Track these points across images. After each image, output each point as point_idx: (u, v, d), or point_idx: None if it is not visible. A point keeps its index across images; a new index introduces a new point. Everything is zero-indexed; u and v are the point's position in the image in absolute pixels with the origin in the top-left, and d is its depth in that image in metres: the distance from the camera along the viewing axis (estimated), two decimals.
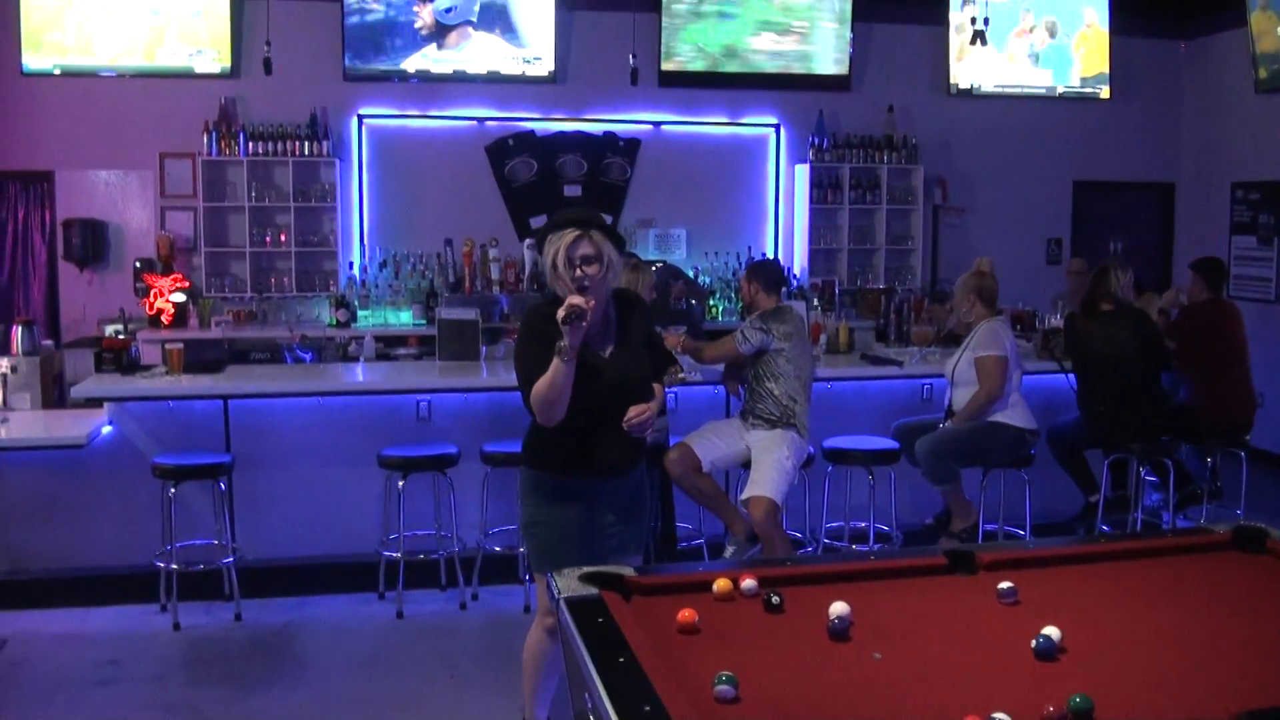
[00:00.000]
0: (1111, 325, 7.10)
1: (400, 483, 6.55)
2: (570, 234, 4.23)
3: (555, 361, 4.11)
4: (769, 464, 6.17)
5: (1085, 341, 7.14)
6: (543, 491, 4.47)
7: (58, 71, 9.97)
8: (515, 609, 6.60)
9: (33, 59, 9.92)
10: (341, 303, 10.00)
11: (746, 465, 6.41)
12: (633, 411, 4.20)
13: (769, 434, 6.30)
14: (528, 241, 10.25)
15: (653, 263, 9.59)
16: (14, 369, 7.02)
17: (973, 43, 11.25)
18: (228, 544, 6.73)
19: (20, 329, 7.08)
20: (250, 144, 10.10)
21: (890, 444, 6.87)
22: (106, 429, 6.74)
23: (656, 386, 4.46)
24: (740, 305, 10.38)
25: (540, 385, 4.18)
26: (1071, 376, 7.35)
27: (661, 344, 4.76)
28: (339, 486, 7.00)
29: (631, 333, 4.44)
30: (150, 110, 10.13)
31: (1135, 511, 7.25)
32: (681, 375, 6.36)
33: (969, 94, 11.36)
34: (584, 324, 4.08)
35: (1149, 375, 7.12)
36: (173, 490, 6.42)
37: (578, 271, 4.18)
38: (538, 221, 10.59)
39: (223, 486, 6.65)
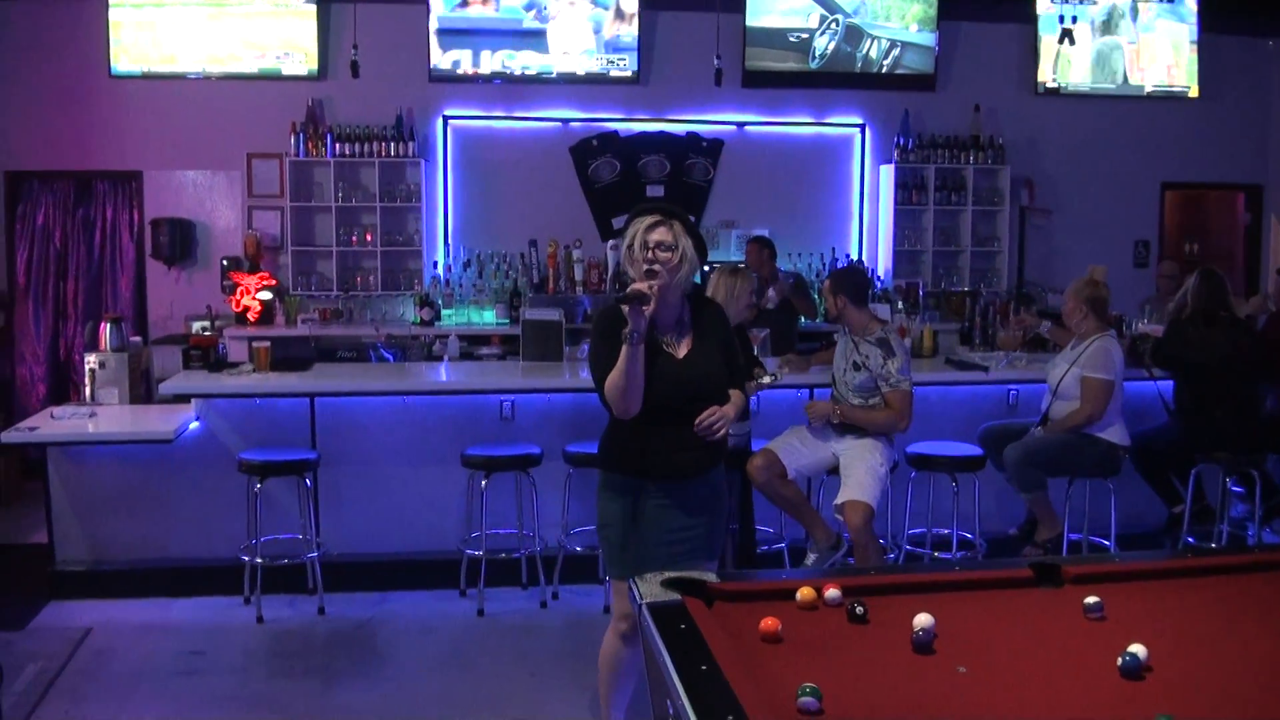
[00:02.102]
0: (1233, 334, 6.98)
1: (483, 482, 6.59)
2: (651, 218, 4.31)
3: (624, 348, 4.15)
4: (863, 470, 6.11)
5: (1201, 349, 6.98)
6: (615, 493, 4.48)
7: (145, 75, 10.14)
8: (595, 609, 6.61)
9: (121, 62, 10.09)
10: (426, 302, 10.07)
11: (831, 472, 6.37)
12: (704, 414, 4.22)
13: (859, 440, 6.24)
14: (611, 243, 10.26)
15: (790, 274, 9.54)
16: (102, 364, 7.16)
17: (1060, 41, 11.10)
18: (312, 539, 6.80)
19: (109, 326, 7.22)
20: (337, 145, 10.21)
21: (975, 450, 6.79)
22: (194, 425, 6.84)
23: (734, 392, 4.45)
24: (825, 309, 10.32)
25: (612, 375, 4.23)
26: (1161, 384, 7.23)
27: (738, 351, 4.74)
28: (422, 484, 7.06)
29: (706, 335, 4.45)
30: (238, 112, 10.28)
31: (1220, 523, 7.12)
32: (768, 380, 6.31)
33: (1056, 93, 11.22)
34: (645, 308, 4.13)
35: (1259, 384, 7.01)
36: (258, 485, 6.52)
37: (650, 254, 4.24)
38: (620, 222, 10.53)
39: (308, 483, 6.72)
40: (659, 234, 4.27)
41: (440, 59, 10.31)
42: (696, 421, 4.21)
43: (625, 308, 4.13)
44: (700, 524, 4.46)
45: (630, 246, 4.32)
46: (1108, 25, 11.23)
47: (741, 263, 9.20)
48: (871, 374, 6.19)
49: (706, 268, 7.12)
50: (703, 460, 4.41)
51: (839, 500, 6.10)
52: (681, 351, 4.39)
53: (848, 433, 6.29)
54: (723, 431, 4.26)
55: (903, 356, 6.21)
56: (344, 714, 5.33)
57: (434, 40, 10.29)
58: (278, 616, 6.52)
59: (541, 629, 6.43)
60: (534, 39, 10.44)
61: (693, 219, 9.59)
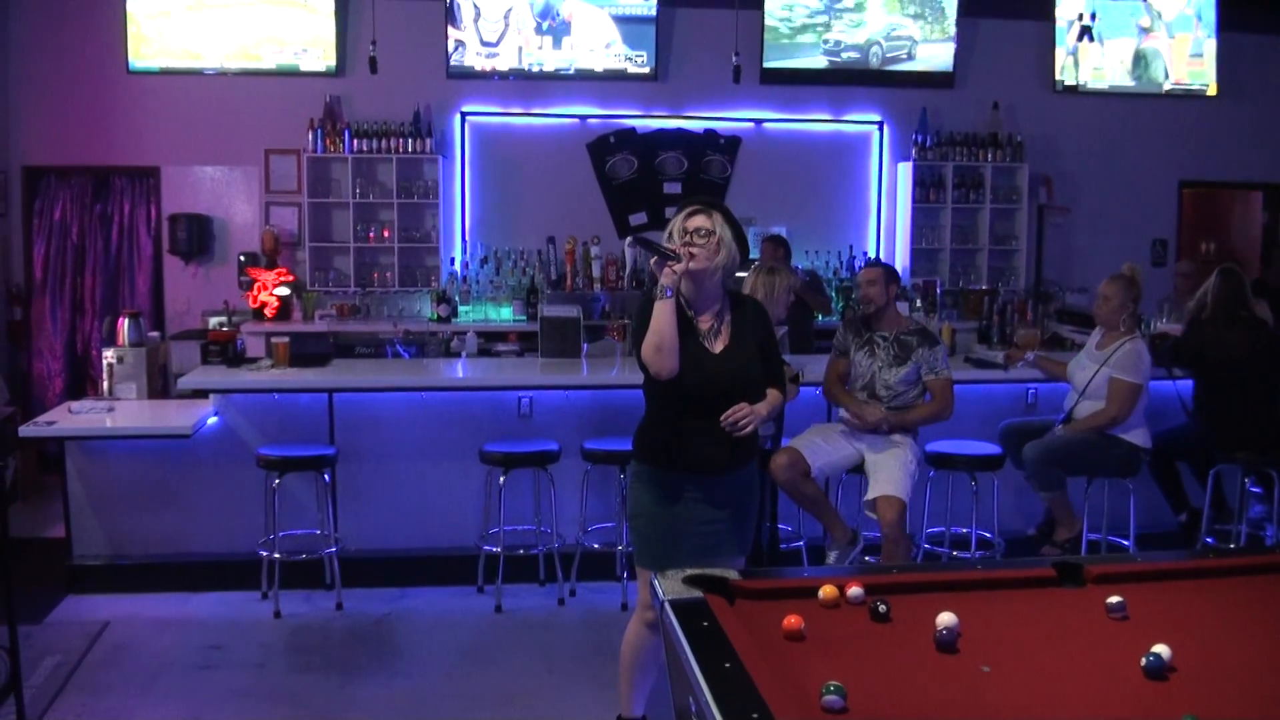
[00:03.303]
0: (1253, 333, 6.95)
1: (501, 478, 6.59)
2: (691, 208, 4.41)
3: (656, 304, 4.25)
4: (894, 465, 6.09)
5: (1221, 348, 6.94)
6: (648, 484, 4.51)
7: (163, 70, 10.17)
8: (613, 606, 6.61)
9: (138, 58, 10.12)
10: (443, 298, 10.07)
11: (854, 470, 6.35)
12: (732, 410, 4.25)
13: (886, 437, 6.24)
14: (628, 239, 10.25)
15: (806, 271, 9.51)
16: (120, 359, 7.17)
17: (1080, 39, 11.06)
18: (330, 534, 6.81)
19: (127, 320, 7.23)
20: (355, 141, 10.22)
21: (994, 449, 6.76)
22: (212, 420, 6.86)
23: (772, 392, 4.46)
24: (842, 306, 10.32)
25: (648, 334, 4.29)
26: (1180, 384, 7.20)
27: (778, 353, 4.75)
28: (441, 480, 7.06)
29: (745, 333, 4.47)
30: (256, 108, 10.31)
31: (1239, 524, 7.08)
32: (798, 380, 6.29)
33: (1075, 90, 11.19)
34: (674, 265, 4.23)
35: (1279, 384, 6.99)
36: (277, 481, 6.52)
37: (689, 238, 4.32)
38: (638, 219, 10.61)
39: (326, 478, 6.72)
40: (698, 221, 4.35)
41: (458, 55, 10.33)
42: (723, 416, 4.24)
43: (653, 259, 4.24)
44: (730, 518, 4.50)
45: (670, 236, 4.38)
46: (1149, 29, 11.20)
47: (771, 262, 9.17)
48: (917, 364, 6.19)
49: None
50: (735, 456, 4.44)
51: (871, 495, 6.07)
52: (718, 346, 4.42)
53: (874, 429, 6.28)
54: (750, 429, 4.28)
55: (941, 344, 6.26)
56: (361, 709, 5.33)
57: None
58: (295, 612, 6.53)
59: (559, 625, 6.42)
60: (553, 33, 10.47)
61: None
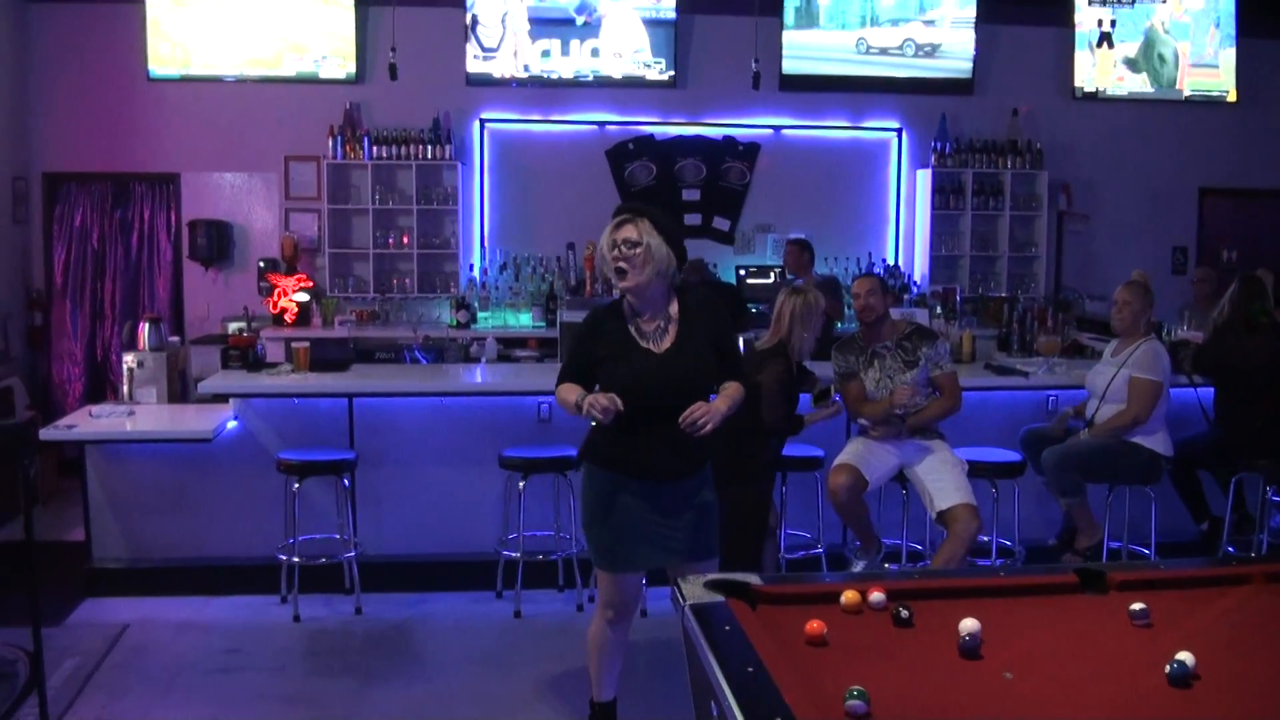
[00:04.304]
0: (1274, 340, 6.91)
1: (521, 483, 6.59)
2: (620, 217, 4.42)
3: (584, 396, 4.31)
4: (956, 472, 6.11)
5: (1242, 356, 6.90)
6: (600, 489, 4.53)
7: (183, 78, 10.22)
8: None
9: (159, 65, 10.17)
10: (462, 304, 10.08)
11: (896, 480, 6.34)
12: (690, 410, 4.20)
13: (928, 441, 6.23)
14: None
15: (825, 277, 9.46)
16: (140, 364, 7.20)
17: (1099, 45, 11.03)
18: (349, 539, 6.80)
19: (148, 325, 7.26)
20: (374, 148, 10.25)
21: (1014, 456, 6.72)
22: (232, 424, 6.87)
23: (732, 384, 4.46)
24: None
25: (563, 393, 4.41)
26: (1201, 391, 7.16)
27: (734, 342, 4.70)
28: (460, 485, 7.05)
29: (693, 328, 4.45)
30: (275, 115, 10.35)
31: (1260, 533, 7.04)
32: (833, 409, 6.25)
33: (1094, 97, 11.16)
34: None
35: None
36: (296, 485, 6.52)
37: (617, 252, 4.33)
38: None
39: (346, 483, 6.72)
40: (625, 231, 4.34)
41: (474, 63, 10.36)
42: (682, 417, 4.19)
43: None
44: (682, 523, 4.49)
45: (602, 249, 4.39)
46: (1162, 34, 11.19)
47: (793, 274, 9.15)
48: (924, 363, 6.17)
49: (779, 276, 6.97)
50: (682, 464, 4.45)
51: (946, 505, 5.99)
52: (664, 345, 4.41)
53: (912, 438, 6.24)
54: (710, 428, 4.22)
55: (940, 339, 6.27)
56: (380, 713, 5.33)
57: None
58: (314, 616, 6.53)
59: (578, 631, 6.34)
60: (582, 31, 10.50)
61: (726, 223, 9.51)
